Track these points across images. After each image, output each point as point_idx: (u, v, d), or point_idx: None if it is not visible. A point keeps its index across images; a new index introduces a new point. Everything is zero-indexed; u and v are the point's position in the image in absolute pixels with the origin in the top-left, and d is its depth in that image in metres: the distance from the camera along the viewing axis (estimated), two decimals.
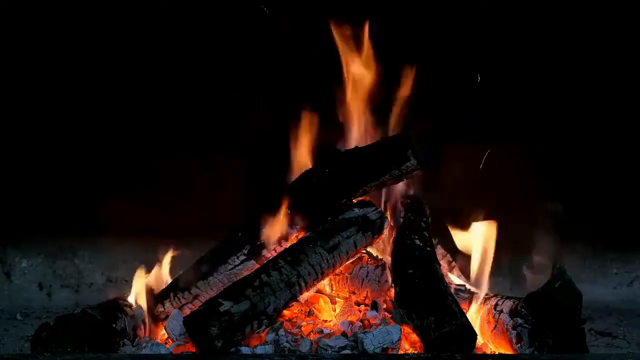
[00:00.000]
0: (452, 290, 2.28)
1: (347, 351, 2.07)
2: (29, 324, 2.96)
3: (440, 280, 2.21)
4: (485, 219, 2.49)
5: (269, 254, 2.44)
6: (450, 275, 2.67)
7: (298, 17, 3.19)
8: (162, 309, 2.42)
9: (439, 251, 2.67)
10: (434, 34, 3.29)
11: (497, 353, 2.17)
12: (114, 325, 2.20)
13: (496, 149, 3.30)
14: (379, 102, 2.74)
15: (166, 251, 2.57)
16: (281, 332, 2.16)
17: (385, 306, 2.38)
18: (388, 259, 2.48)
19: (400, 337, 2.09)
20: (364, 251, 2.48)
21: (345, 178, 2.49)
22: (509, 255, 3.26)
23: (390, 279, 2.41)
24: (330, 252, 2.31)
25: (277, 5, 3.20)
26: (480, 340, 2.21)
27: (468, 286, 2.50)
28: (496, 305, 2.24)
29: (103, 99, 3.32)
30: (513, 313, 2.14)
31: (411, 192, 2.73)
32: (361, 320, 2.30)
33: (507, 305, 2.19)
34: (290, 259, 2.24)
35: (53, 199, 3.35)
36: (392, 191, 2.66)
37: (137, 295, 2.43)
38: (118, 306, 2.32)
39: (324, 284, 2.46)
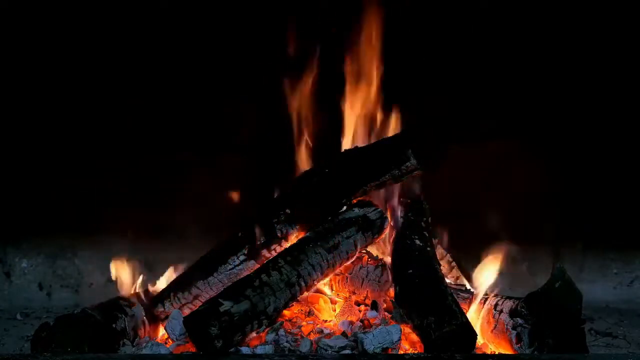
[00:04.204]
0: (452, 290, 2.28)
1: (347, 351, 2.07)
2: (29, 324, 2.96)
3: (440, 280, 2.21)
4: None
5: (269, 254, 2.44)
6: (450, 275, 2.67)
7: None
8: (162, 309, 2.42)
9: (439, 251, 2.66)
10: (433, 35, 3.29)
11: (497, 353, 2.17)
12: (114, 325, 2.20)
13: (495, 149, 3.30)
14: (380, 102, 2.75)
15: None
16: (281, 332, 2.16)
17: (385, 306, 2.38)
18: (388, 259, 2.48)
19: (400, 337, 2.09)
20: (364, 251, 2.48)
21: (345, 178, 2.49)
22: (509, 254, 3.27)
23: (390, 279, 2.40)
24: (330, 252, 2.31)
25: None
26: (480, 340, 2.21)
27: (468, 286, 2.50)
28: (496, 305, 2.23)
29: (104, 100, 3.32)
30: (513, 313, 2.13)
31: (411, 192, 2.72)
32: (361, 320, 2.30)
33: (507, 305, 2.19)
34: (290, 259, 2.24)
35: (53, 199, 3.35)
36: (392, 191, 2.66)
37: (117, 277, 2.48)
38: (118, 306, 2.31)
39: (324, 283, 2.46)
